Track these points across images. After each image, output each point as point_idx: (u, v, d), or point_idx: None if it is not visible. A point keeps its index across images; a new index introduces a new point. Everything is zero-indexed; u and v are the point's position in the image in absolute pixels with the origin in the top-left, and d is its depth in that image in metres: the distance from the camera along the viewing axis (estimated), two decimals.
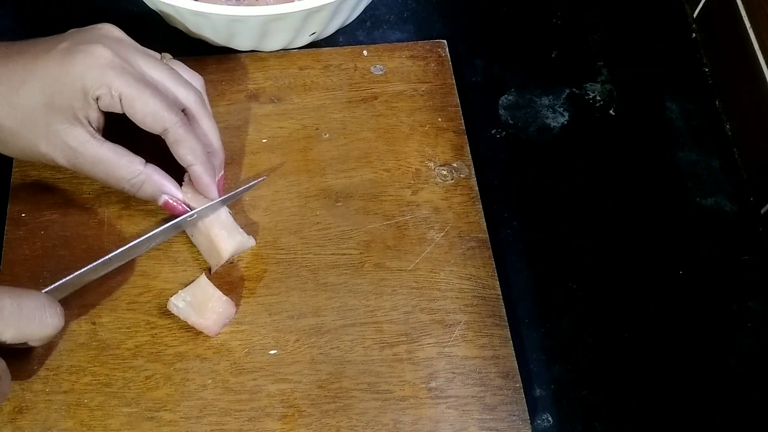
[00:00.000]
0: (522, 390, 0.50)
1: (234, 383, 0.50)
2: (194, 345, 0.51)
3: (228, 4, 0.56)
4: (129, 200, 0.55)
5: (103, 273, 0.51)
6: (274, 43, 0.61)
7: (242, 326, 0.52)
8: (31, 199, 0.55)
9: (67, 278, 0.48)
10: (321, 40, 0.63)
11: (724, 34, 0.64)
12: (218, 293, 0.51)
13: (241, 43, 0.60)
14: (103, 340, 0.51)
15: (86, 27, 0.50)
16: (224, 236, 0.51)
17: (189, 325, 0.51)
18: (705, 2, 0.67)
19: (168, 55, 0.53)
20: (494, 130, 0.62)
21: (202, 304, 0.50)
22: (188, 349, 0.51)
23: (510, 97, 0.64)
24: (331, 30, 0.62)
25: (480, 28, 0.68)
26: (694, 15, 0.68)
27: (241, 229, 0.52)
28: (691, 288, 0.56)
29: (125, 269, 0.53)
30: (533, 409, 0.51)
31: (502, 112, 0.63)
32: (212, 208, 0.52)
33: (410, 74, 0.62)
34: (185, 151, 0.50)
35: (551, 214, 0.59)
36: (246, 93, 0.60)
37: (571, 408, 0.52)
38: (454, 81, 0.62)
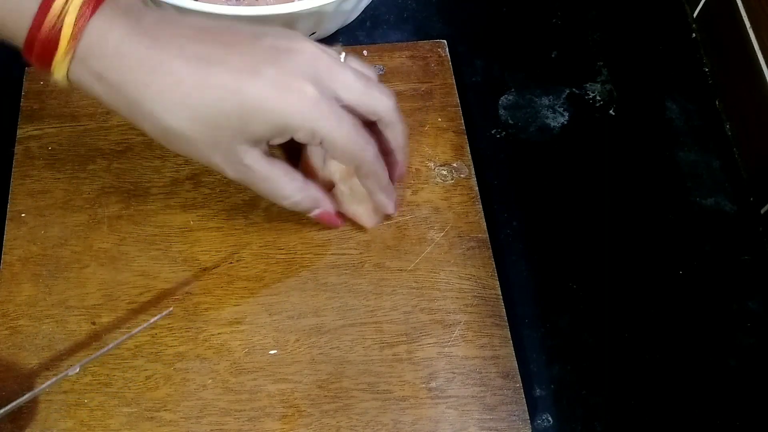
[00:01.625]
0: (522, 390, 0.50)
1: (234, 383, 0.50)
2: (194, 345, 0.51)
3: (228, 4, 0.56)
4: (129, 200, 0.55)
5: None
6: None
7: (242, 326, 0.52)
8: (31, 199, 0.55)
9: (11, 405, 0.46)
10: (321, 40, 0.63)
11: (724, 34, 0.64)
12: None
13: None
14: (103, 340, 0.51)
15: (282, 43, 0.46)
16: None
17: (189, 325, 0.51)
18: (705, 2, 0.67)
19: (340, 48, 0.50)
20: (494, 130, 0.62)
21: (363, 194, 0.53)
22: (188, 349, 0.51)
23: (510, 97, 0.64)
24: (331, 30, 0.62)
25: (480, 28, 0.68)
26: (694, 15, 0.68)
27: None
28: (691, 288, 0.56)
29: (125, 269, 0.53)
30: (533, 409, 0.51)
31: (502, 112, 0.63)
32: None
33: (410, 74, 0.62)
34: (372, 182, 0.51)
35: (551, 214, 0.59)
36: None
37: (571, 408, 0.52)
38: (454, 81, 0.62)
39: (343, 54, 0.49)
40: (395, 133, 0.51)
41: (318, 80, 0.46)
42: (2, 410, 0.46)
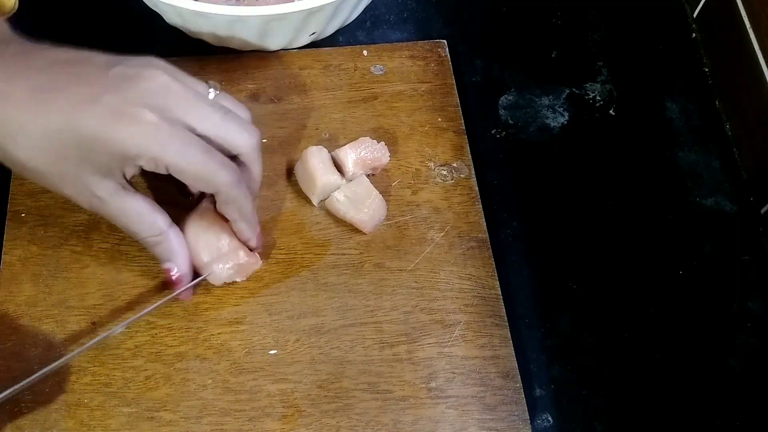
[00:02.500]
0: (522, 390, 0.50)
1: (234, 383, 0.50)
2: (194, 345, 0.51)
3: (228, 4, 0.56)
4: None
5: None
6: (274, 43, 0.61)
7: (242, 326, 0.52)
8: (31, 199, 0.55)
9: (8, 391, 0.46)
10: (321, 40, 0.63)
11: (724, 34, 0.64)
12: (376, 192, 0.55)
13: (240, 43, 0.60)
14: (103, 339, 0.51)
15: (132, 70, 0.45)
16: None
17: (189, 325, 0.51)
18: (705, 2, 0.67)
19: (216, 84, 0.49)
20: (494, 130, 0.62)
21: (361, 200, 0.54)
22: (188, 349, 0.51)
23: (510, 97, 0.64)
24: (331, 30, 0.62)
25: (480, 28, 0.68)
26: (694, 15, 0.68)
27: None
28: (691, 288, 0.56)
29: (124, 269, 0.53)
30: (533, 409, 0.51)
31: (502, 112, 0.63)
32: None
33: (410, 74, 0.62)
34: (233, 210, 0.49)
35: (551, 214, 0.59)
36: (246, 93, 0.61)
37: (571, 408, 0.52)
38: (454, 81, 0.62)
39: (213, 91, 0.49)
40: (253, 175, 0.50)
41: (162, 108, 0.44)
42: (28, 379, 0.46)
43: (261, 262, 0.52)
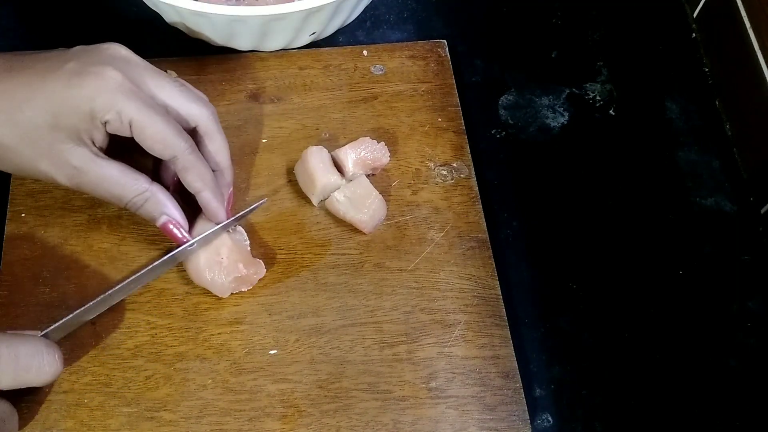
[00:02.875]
0: (522, 390, 0.50)
1: (234, 383, 0.50)
2: (194, 345, 0.51)
3: (228, 4, 0.56)
4: None
5: (102, 310, 0.50)
6: (274, 43, 0.61)
7: (242, 326, 0.52)
8: (31, 199, 0.55)
9: (66, 318, 0.48)
10: (321, 40, 0.63)
11: (724, 34, 0.64)
12: (376, 192, 0.55)
13: (241, 43, 0.60)
14: (103, 340, 0.51)
15: (92, 46, 0.48)
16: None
17: (189, 325, 0.51)
18: (705, 2, 0.67)
19: (173, 74, 0.52)
20: (494, 130, 0.62)
21: (361, 201, 0.54)
22: (188, 349, 0.51)
23: (510, 97, 0.64)
24: (331, 30, 0.62)
25: (480, 28, 0.68)
26: (694, 15, 0.68)
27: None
28: (691, 288, 0.56)
29: (125, 269, 0.53)
30: (533, 409, 0.51)
31: (502, 112, 0.63)
32: (215, 234, 0.52)
33: (410, 74, 0.62)
34: (193, 177, 0.49)
35: (551, 214, 0.59)
36: (246, 93, 0.61)
37: (571, 408, 0.52)
38: (454, 81, 0.62)
39: (174, 74, 0.51)
40: (215, 146, 0.50)
41: (124, 70, 0.46)
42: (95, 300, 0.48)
43: (264, 270, 0.52)
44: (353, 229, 0.55)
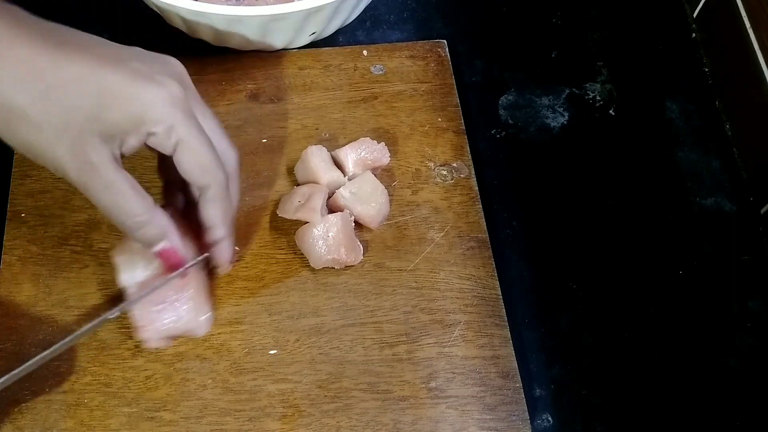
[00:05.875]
0: (522, 390, 0.50)
1: (234, 383, 0.50)
2: (194, 345, 0.51)
3: (228, 4, 0.56)
4: None
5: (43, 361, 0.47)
6: (274, 43, 0.61)
7: (242, 326, 0.52)
8: (31, 199, 0.55)
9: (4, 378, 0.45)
10: (321, 40, 0.63)
11: (724, 34, 0.64)
12: (382, 187, 0.55)
13: (241, 43, 0.60)
14: (103, 340, 0.51)
15: (154, 53, 0.46)
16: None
17: None
18: (705, 2, 0.67)
19: None
20: (494, 130, 0.62)
21: (368, 195, 0.54)
22: (188, 349, 0.51)
23: (510, 97, 0.64)
24: (331, 30, 0.62)
25: (480, 28, 0.68)
26: (694, 15, 0.68)
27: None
28: (691, 288, 0.56)
29: None
30: (533, 409, 0.51)
31: (502, 112, 0.63)
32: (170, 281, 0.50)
33: (410, 74, 0.62)
34: (217, 212, 0.48)
35: (551, 214, 0.59)
36: (246, 93, 0.61)
37: (571, 408, 0.52)
38: (454, 81, 0.62)
39: None
40: (233, 193, 0.49)
41: (184, 86, 0.45)
42: (41, 355, 0.45)
43: (361, 257, 0.53)
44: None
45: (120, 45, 0.45)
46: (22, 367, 0.45)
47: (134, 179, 0.45)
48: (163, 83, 0.43)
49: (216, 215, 0.48)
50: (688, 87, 0.65)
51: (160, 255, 0.48)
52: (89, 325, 0.48)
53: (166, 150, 0.45)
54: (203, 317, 0.51)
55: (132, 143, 0.44)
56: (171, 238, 0.47)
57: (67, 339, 0.47)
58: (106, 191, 0.44)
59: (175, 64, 0.46)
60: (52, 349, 0.46)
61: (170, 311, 0.49)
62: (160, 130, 0.44)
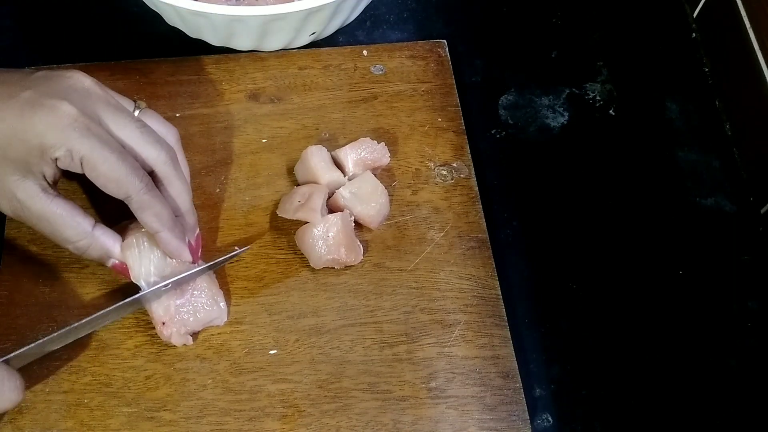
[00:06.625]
0: (522, 390, 0.50)
1: (234, 383, 0.50)
2: (194, 345, 0.51)
3: (228, 4, 0.56)
4: None
5: (68, 342, 0.49)
6: (274, 43, 0.61)
7: (242, 326, 0.52)
8: None
9: (28, 347, 0.47)
10: (321, 40, 0.63)
11: (724, 34, 0.64)
12: (382, 187, 0.55)
13: (241, 43, 0.60)
14: (103, 340, 0.51)
15: (55, 72, 0.47)
16: None
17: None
18: (705, 2, 0.67)
19: (143, 104, 0.50)
20: (494, 130, 0.62)
21: (368, 196, 0.54)
22: (188, 349, 0.51)
23: (510, 97, 0.64)
24: (331, 30, 0.62)
25: (480, 28, 0.68)
26: (694, 15, 0.68)
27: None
28: (691, 288, 0.56)
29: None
30: (533, 409, 0.51)
31: (502, 112, 0.63)
32: (192, 276, 0.51)
33: (410, 74, 0.62)
34: (150, 218, 0.47)
35: (551, 214, 0.59)
36: (246, 93, 0.61)
37: (571, 408, 0.52)
38: (454, 81, 0.62)
39: (138, 109, 0.49)
40: (174, 191, 0.49)
41: (82, 106, 0.44)
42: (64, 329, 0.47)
43: (361, 257, 0.53)
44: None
45: (25, 74, 0.46)
46: (53, 335, 0.47)
47: (71, 204, 0.46)
48: (53, 107, 0.44)
49: (150, 221, 0.48)
50: (688, 87, 0.65)
51: (115, 270, 0.50)
52: (118, 304, 0.49)
53: (77, 170, 0.45)
54: (222, 304, 0.51)
55: (49, 171, 0.45)
56: (115, 255, 0.49)
57: (95, 315, 0.48)
58: (41, 222, 0.46)
59: (71, 77, 0.46)
60: (83, 321, 0.48)
61: (189, 304, 0.50)
62: (61, 154, 0.44)
